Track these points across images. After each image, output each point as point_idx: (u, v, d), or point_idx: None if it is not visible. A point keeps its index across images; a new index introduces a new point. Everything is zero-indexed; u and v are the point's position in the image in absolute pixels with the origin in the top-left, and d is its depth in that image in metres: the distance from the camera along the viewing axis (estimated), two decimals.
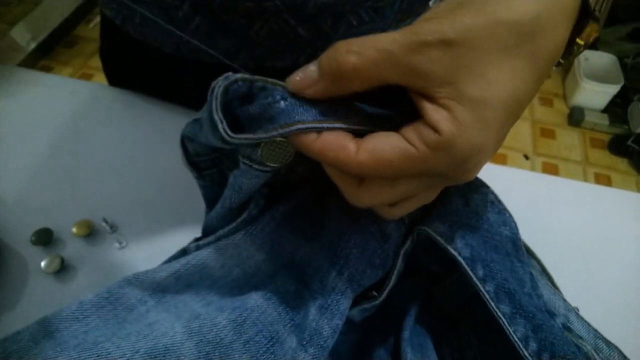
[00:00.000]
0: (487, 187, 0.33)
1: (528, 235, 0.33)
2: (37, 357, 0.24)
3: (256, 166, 0.26)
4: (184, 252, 0.33)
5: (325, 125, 0.23)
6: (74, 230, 0.41)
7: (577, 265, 0.43)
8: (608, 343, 0.32)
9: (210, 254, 0.31)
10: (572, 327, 0.32)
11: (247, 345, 0.26)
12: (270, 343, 0.27)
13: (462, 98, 0.21)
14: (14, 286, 0.39)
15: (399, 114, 0.23)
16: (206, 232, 0.33)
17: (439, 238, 0.30)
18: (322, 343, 0.28)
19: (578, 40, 0.25)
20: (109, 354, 0.24)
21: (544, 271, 0.37)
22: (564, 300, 0.34)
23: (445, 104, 0.21)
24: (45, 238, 0.41)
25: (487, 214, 0.32)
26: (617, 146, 1.92)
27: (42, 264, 0.39)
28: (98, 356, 0.24)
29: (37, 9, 2.17)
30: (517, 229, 0.33)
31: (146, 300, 0.29)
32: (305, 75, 0.23)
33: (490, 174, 0.34)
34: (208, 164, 0.32)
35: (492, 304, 0.28)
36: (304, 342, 0.28)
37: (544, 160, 1.88)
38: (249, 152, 0.25)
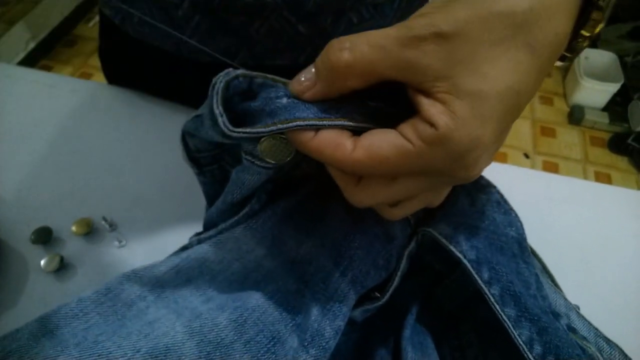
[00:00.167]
0: (494, 186, 0.33)
1: (528, 233, 0.33)
2: (37, 356, 0.24)
3: (258, 162, 0.26)
4: (184, 249, 0.33)
5: (325, 122, 0.23)
6: (74, 228, 0.41)
7: (577, 263, 0.43)
8: (609, 342, 0.32)
9: (210, 247, 0.30)
10: (576, 327, 0.32)
11: (248, 345, 0.26)
12: (272, 343, 0.27)
13: (458, 91, 0.20)
14: (13, 285, 0.39)
15: (399, 111, 0.23)
16: (207, 226, 0.33)
17: (444, 240, 0.30)
18: (323, 344, 0.27)
19: (583, 32, 0.24)
20: (110, 353, 0.24)
21: (544, 269, 0.37)
22: (565, 299, 0.34)
23: (442, 98, 0.21)
24: (44, 237, 0.41)
25: (493, 214, 0.32)
26: (617, 145, 1.92)
27: (42, 262, 0.39)
28: (99, 356, 0.24)
29: (36, 8, 2.17)
30: (522, 230, 0.32)
31: (145, 295, 0.29)
32: (304, 79, 0.23)
33: (490, 171, 0.34)
34: (209, 160, 0.32)
35: (498, 307, 0.28)
36: (306, 343, 0.27)
37: (544, 159, 1.88)
38: (251, 149, 0.25)
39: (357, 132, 0.23)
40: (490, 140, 0.21)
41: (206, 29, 0.43)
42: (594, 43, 0.25)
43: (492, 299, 0.28)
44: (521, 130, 1.98)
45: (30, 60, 2.11)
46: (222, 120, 0.23)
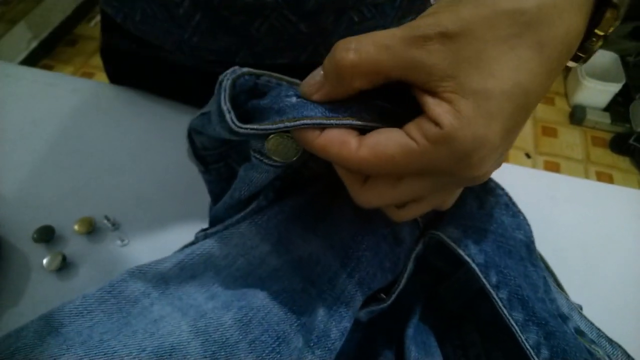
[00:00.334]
0: (502, 189, 0.33)
1: None
2: (42, 354, 0.24)
3: (266, 161, 0.26)
4: (190, 245, 0.33)
5: (333, 122, 0.23)
6: (76, 227, 0.41)
7: (579, 262, 0.43)
8: (611, 342, 0.32)
9: (216, 242, 0.30)
10: (583, 330, 0.32)
11: (253, 345, 0.26)
12: (277, 343, 0.27)
13: (464, 91, 0.20)
14: (15, 284, 0.39)
15: (406, 112, 0.23)
16: (214, 222, 0.33)
17: (452, 244, 0.30)
18: (329, 345, 0.27)
19: (597, 31, 0.24)
20: (116, 352, 0.24)
21: (547, 269, 0.37)
22: (567, 299, 0.34)
23: (447, 97, 0.21)
24: (47, 235, 0.41)
25: (502, 217, 0.32)
26: (619, 145, 1.92)
27: (44, 261, 0.39)
28: (104, 354, 0.24)
29: (38, 7, 2.17)
30: (531, 232, 0.32)
31: (150, 292, 0.29)
32: (312, 81, 0.23)
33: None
34: (215, 158, 0.32)
35: (505, 311, 0.28)
36: (311, 344, 0.27)
37: (545, 159, 1.88)
38: (259, 147, 0.25)
39: (364, 132, 0.23)
40: (496, 139, 0.21)
41: (207, 28, 0.43)
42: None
43: (500, 303, 0.28)
44: (522, 130, 1.96)
45: (32, 60, 2.12)
46: (230, 117, 0.23)
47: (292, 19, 0.41)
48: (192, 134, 0.30)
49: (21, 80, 0.55)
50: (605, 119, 1.97)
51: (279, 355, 0.26)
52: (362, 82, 0.22)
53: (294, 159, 0.25)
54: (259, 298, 0.28)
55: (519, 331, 0.27)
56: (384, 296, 0.32)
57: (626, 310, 0.40)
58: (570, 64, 0.25)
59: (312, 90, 0.23)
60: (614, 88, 1.92)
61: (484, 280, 0.29)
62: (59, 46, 2.27)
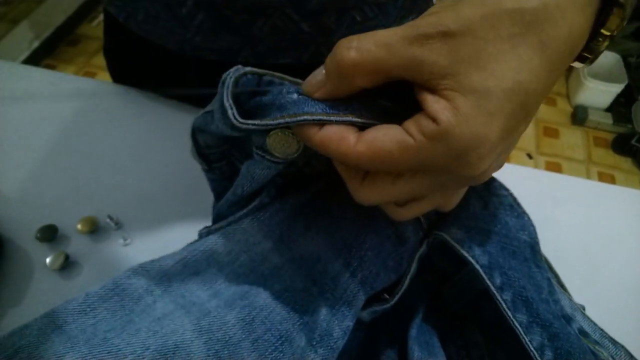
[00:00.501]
0: (506, 189, 0.33)
1: None
2: (46, 352, 0.24)
3: (268, 157, 0.26)
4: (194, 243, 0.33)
5: (333, 118, 0.23)
6: (79, 226, 0.41)
7: (581, 263, 0.43)
8: (614, 342, 0.32)
9: (218, 239, 0.30)
10: (587, 331, 0.32)
11: (256, 344, 0.26)
12: (280, 342, 0.27)
13: (463, 89, 0.20)
14: (18, 283, 0.39)
15: (408, 110, 0.23)
16: (217, 219, 0.33)
17: (456, 245, 0.30)
18: (332, 344, 0.27)
19: (603, 31, 0.23)
20: (119, 350, 0.24)
21: (550, 269, 0.37)
22: (570, 299, 0.34)
23: (446, 94, 0.21)
24: (50, 235, 0.41)
25: (506, 218, 0.32)
26: (621, 145, 1.91)
27: (47, 260, 0.39)
28: (108, 353, 0.24)
29: (40, 7, 2.18)
30: (535, 233, 0.32)
31: (153, 289, 0.29)
32: (314, 79, 0.23)
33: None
34: (218, 157, 0.32)
35: (509, 313, 0.28)
36: (314, 343, 0.27)
37: (547, 160, 1.88)
38: (261, 143, 0.25)
39: (364, 130, 0.23)
40: (495, 139, 0.21)
41: (209, 27, 0.43)
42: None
43: (504, 305, 0.28)
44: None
45: (34, 60, 2.12)
46: (232, 112, 0.23)
47: (294, 18, 0.41)
48: (196, 133, 0.30)
49: (24, 79, 0.55)
50: (607, 119, 1.97)
51: (281, 354, 0.26)
52: (363, 81, 0.22)
53: (295, 155, 0.26)
54: (262, 297, 0.29)
55: (522, 333, 0.27)
56: (387, 296, 0.32)
57: (628, 311, 0.40)
58: (576, 64, 0.25)
59: (314, 88, 0.23)
60: (616, 89, 1.92)
61: (487, 281, 0.29)
62: (61, 46, 2.27)
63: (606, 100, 1.98)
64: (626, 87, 1.92)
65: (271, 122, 0.23)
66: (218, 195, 0.34)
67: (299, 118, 0.23)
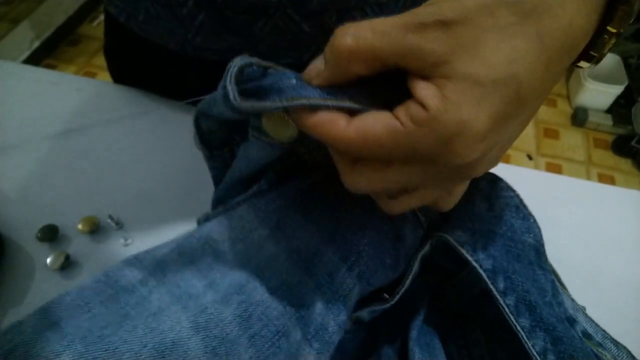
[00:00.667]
0: (513, 190, 0.33)
1: None
2: (43, 350, 0.24)
3: (263, 138, 0.26)
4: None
5: (329, 103, 0.23)
6: (80, 226, 0.41)
7: (581, 264, 0.43)
8: (617, 343, 0.32)
9: (214, 226, 0.30)
10: (591, 333, 0.32)
11: (253, 340, 0.26)
12: (276, 337, 0.27)
13: (454, 75, 0.20)
14: (19, 282, 0.39)
15: (405, 98, 0.24)
16: (215, 205, 0.33)
17: (460, 249, 0.30)
18: (327, 338, 0.27)
19: (609, 28, 0.23)
20: (117, 348, 0.24)
21: (552, 270, 0.37)
22: (572, 300, 0.34)
23: (437, 81, 0.20)
24: (50, 234, 0.41)
25: (511, 220, 0.32)
26: (621, 146, 1.91)
27: (48, 260, 0.39)
28: (105, 350, 0.24)
29: (41, 7, 2.18)
30: (540, 235, 0.32)
31: (147, 280, 0.28)
32: (314, 66, 0.24)
33: (493, 172, 0.34)
34: (219, 142, 0.32)
35: (512, 317, 0.28)
36: (309, 337, 0.27)
37: (547, 161, 1.88)
38: (257, 124, 0.26)
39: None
40: (481, 128, 0.20)
41: (210, 27, 0.43)
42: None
43: (507, 310, 0.28)
44: (524, 131, 1.96)
45: (35, 60, 2.12)
46: (233, 94, 0.23)
47: (295, 18, 0.41)
48: (199, 118, 0.30)
49: (24, 79, 0.55)
50: (607, 120, 1.97)
51: (278, 350, 0.26)
52: (360, 68, 0.22)
53: (290, 140, 0.26)
54: (259, 292, 0.28)
55: (525, 337, 0.27)
56: (387, 296, 0.32)
57: (629, 312, 0.40)
58: (583, 64, 0.25)
59: (312, 75, 0.24)
60: (616, 90, 1.92)
61: (491, 286, 0.28)
62: (62, 46, 2.27)
63: (606, 101, 1.98)
64: (626, 88, 1.92)
65: (269, 104, 0.23)
66: (219, 183, 0.34)
67: (296, 102, 0.23)
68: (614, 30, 0.23)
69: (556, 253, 0.38)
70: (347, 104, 0.23)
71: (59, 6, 2.27)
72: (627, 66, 1.98)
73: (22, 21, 2.10)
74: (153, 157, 0.48)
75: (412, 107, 0.21)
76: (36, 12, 2.15)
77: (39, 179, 0.46)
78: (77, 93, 0.54)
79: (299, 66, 0.26)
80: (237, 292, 0.28)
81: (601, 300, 0.40)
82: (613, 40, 0.23)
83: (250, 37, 0.43)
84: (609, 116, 1.98)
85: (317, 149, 0.30)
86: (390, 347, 0.33)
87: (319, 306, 0.28)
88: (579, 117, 1.98)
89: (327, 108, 0.23)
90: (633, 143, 1.86)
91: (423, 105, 0.20)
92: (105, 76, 0.61)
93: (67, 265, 0.39)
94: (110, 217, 0.42)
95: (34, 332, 0.25)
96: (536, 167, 1.85)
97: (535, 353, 0.27)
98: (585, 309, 0.34)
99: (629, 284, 0.41)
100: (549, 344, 0.27)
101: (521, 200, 0.32)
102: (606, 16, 0.23)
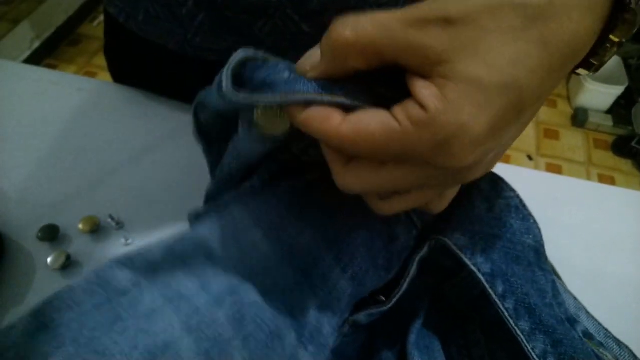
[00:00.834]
0: (513, 190, 0.32)
1: None
2: (34, 352, 0.24)
3: (255, 132, 0.25)
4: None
5: (325, 98, 0.22)
6: (80, 226, 0.41)
7: (581, 264, 0.42)
8: (619, 342, 0.32)
9: (207, 226, 0.30)
10: (592, 332, 0.31)
11: (246, 342, 0.26)
12: (270, 339, 0.26)
13: (455, 76, 0.20)
14: (20, 282, 0.39)
15: (402, 97, 0.23)
16: (207, 200, 0.33)
17: (459, 253, 0.29)
18: (322, 341, 0.27)
19: (612, 37, 0.23)
20: (107, 349, 0.24)
21: (553, 270, 0.37)
22: (575, 298, 0.34)
23: (437, 81, 0.20)
24: (51, 234, 0.41)
25: (511, 221, 0.31)
26: (621, 147, 1.91)
27: (49, 260, 0.39)
28: (96, 352, 0.24)
29: (41, 7, 2.18)
30: (541, 236, 0.31)
31: (139, 281, 0.27)
32: (309, 58, 0.23)
33: (493, 172, 0.33)
34: (215, 136, 0.31)
35: (512, 321, 0.28)
36: (304, 340, 0.27)
37: (547, 161, 1.88)
38: (248, 116, 0.25)
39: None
40: (481, 131, 0.20)
41: (210, 28, 0.43)
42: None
43: (507, 314, 0.28)
44: (524, 132, 1.95)
45: (35, 59, 2.12)
46: (226, 83, 0.23)
47: (295, 18, 0.41)
48: (198, 109, 0.29)
49: (25, 79, 0.55)
50: (608, 121, 1.97)
51: (272, 352, 0.26)
52: (358, 61, 0.21)
53: (282, 135, 0.25)
54: (252, 293, 0.28)
55: (525, 341, 0.27)
56: (384, 299, 0.32)
57: (629, 312, 0.40)
58: (581, 71, 0.25)
59: (307, 67, 0.23)
60: (617, 91, 1.92)
61: (489, 290, 0.28)
62: (62, 46, 2.27)
63: (606, 102, 1.98)
64: (626, 89, 1.92)
65: (261, 97, 0.23)
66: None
67: (290, 97, 0.22)
68: (617, 40, 0.23)
69: (556, 254, 0.38)
70: (343, 100, 0.22)
71: (60, 6, 2.27)
72: (628, 67, 1.98)
73: (22, 21, 2.10)
74: (153, 156, 0.48)
75: (410, 106, 0.20)
76: (36, 12, 2.15)
77: (40, 178, 0.46)
78: (78, 93, 0.54)
79: None
80: (230, 294, 0.28)
81: (602, 300, 0.40)
82: (614, 49, 0.23)
83: (250, 38, 0.43)
84: (609, 117, 1.98)
85: (312, 147, 0.30)
86: (390, 350, 0.33)
87: (313, 309, 0.28)
88: (579, 118, 1.98)
89: (322, 103, 0.22)
90: (633, 144, 1.86)
91: (422, 106, 0.20)
92: (105, 76, 0.61)
93: (68, 265, 0.39)
94: (111, 216, 0.42)
95: (24, 334, 0.25)
96: (536, 168, 1.85)
97: (535, 356, 0.27)
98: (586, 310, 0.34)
99: (630, 285, 0.41)
100: (549, 347, 0.27)
101: (521, 201, 0.32)
102: (609, 25, 0.22)
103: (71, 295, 0.26)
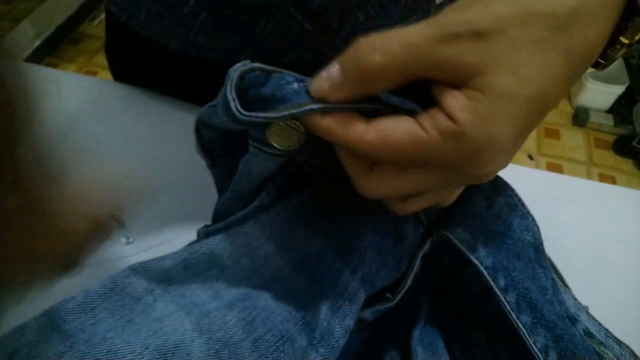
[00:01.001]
0: (512, 189, 0.33)
1: None
2: (46, 351, 0.24)
3: (266, 149, 0.26)
4: (193, 243, 0.33)
5: (339, 106, 0.22)
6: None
7: (582, 263, 0.43)
8: (619, 342, 0.32)
9: (219, 242, 0.30)
10: (593, 331, 0.32)
11: (256, 344, 0.26)
12: (281, 342, 0.26)
13: (487, 89, 0.20)
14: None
15: (420, 103, 0.23)
16: (216, 217, 0.33)
17: (461, 246, 0.30)
18: (333, 343, 0.27)
19: (622, 39, 0.23)
20: (119, 349, 0.24)
21: (554, 270, 0.37)
22: (575, 298, 0.34)
23: (468, 93, 0.20)
24: None
25: (511, 219, 0.31)
26: (622, 147, 1.91)
27: None
28: (108, 352, 0.24)
29: (41, 6, 2.18)
30: (539, 234, 0.32)
31: (153, 289, 0.28)
32: (329, 80, 0.22)
33: None
34: (221, 152, 0.32)
35: (513, 315, 0.28)
36: (315, 342, 0.27)
37: (548, 161, 1.88)
38: (259, 135, 0.25)
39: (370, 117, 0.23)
40: (508, 142, 0.21)
41: (212, 27, 0.43)
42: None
43: (508, 307, 0.28)
44: None
45: (35, 58, 2.12)
46: (235, 105, 0.22)
47: (297, 17, 0.41)
48: (200, 127, 0.29)
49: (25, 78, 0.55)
50: (609, 121, 1.97)
51: (282, 354, 0.26)
52: (387, 84, 0.21)
53: (296, 146, 0.25)
54: (263, 298, 0.28)
55: (526, 334, 0.27)
56: (390, 295, 0.32)
57: (630, 311, 0.40)
58: (589, 70, 0.25)
59: (329, 92, 0.22)
60: (617, 90, 1.92)
61: (492, 283, 0.28)
62: (63, 45, 2.28)
63: (607, 101, 1.98)
64: (627, 88, 1.92)
65: (276, 114, 0.22)
66: (223, 192, 0.34)
67: (304, 108, 0.22)
68: (626, 41, 0.23)
69: (557, 252, 0.38)
70: (357, 105, 0.22)
71: (60, 5, 2.28)
72: (629, 66, 1.98)
73: (23, 20, 2.10)
74: (153, 155, 0.48)
75: (439, 117, 0.20)
76: (37, 11, 2.15)
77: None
78: (78, 91, 0.54)
79: (300, 66, 0.25)
80: (242, 299, 0.28)
81: (602, 299, 0.40)
82: (623, 50, 0.23)
83: (252, 37, 0.43)
84: (610, 116, 1.98)
85: (314, 157, 0.30)
86: (393, 346, 0.33)
87: (324, 311, 0.28)
88: (580, 117, 1.98)
89: (340, 110, 0.22)
90: (634, 143, 1.86)
91: (451, 117, 0.20)
92: (106, 75, 0.61)
93: None
94: (112, 215, 0.42)
95: (37, 334, 0.25)
96: (537, 167, 1.85)
97: (536, 350, 0.27)
98: (588, 309, 0.34)
99: (630, 284, 0.41)
100: (550, 341, 0.27)
101: (520, 199, 0.32)
102: (620, 27, 0.22)
103: (86, 299, 0.27)
